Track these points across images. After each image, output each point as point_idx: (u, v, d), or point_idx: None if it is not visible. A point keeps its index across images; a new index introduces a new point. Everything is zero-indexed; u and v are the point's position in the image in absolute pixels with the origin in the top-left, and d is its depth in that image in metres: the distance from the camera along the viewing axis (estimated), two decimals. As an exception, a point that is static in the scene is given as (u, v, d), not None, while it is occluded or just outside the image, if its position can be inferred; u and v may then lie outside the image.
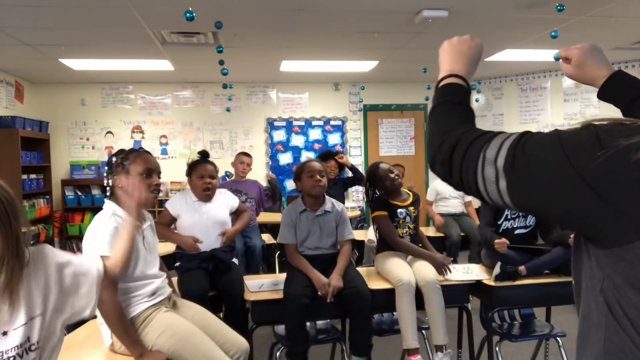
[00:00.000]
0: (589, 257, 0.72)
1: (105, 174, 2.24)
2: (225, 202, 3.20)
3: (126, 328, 1.99)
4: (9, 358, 1.31)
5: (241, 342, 2.27)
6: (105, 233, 2.02)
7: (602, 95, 1.15)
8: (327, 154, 4.89)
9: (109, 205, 2.15)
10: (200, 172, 3.08)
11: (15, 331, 1.33)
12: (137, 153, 2.22)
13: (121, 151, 2.26)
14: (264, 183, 5.22)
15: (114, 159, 2.22)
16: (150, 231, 2.31)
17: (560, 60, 1.25)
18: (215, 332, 2.19)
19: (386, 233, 3.07)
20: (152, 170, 2.21)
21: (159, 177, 2.28)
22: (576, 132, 0.68)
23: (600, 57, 1.19)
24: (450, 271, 2.92)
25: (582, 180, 0.64)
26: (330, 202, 3.00)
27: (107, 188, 2.21)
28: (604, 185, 0.64)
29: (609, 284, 0.68)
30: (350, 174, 5.06)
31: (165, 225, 3.08)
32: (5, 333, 1.31)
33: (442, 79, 0.99)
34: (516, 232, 3.08)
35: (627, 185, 0.62)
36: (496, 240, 2.88)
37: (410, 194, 3.23)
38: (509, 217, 3.10)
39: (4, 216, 1.27)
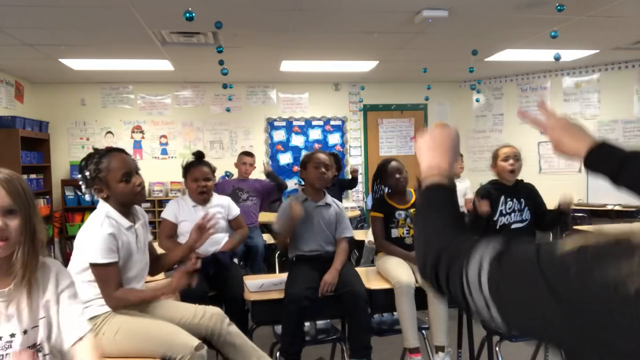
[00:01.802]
0: None
1: (82, 185, 2.14)
2: (223, 210, 3.16)
3: (141, 298, 2.14)
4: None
5: (211, 309, 2.29)
6: (98, 241, 2.01)
7: (587, 167, 1.12)
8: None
9: (102, 206, 2.13)
10: (195, 175, 3.04)
11: (33, 330, 1.38)
12: (108, 160, 2.11)
13: (90, 158, 2.14)
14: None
15: (86, 172, 2.12)
16: (143, 229, 2.27)
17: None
18: (184, 314, 2.22)
19: (375, 234, 3.15)
20: (129, 173, 2.13)
21: (138, 173, 2.19)
22: (560, 259, 0.60)
23: (575, 131, 1.17)
24: None
25: (571, 314, 0.57)
26: (330, 198, 3.04)
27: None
28: (593, 325, 0.56)
29: None
30: (348, 176, 5.07)
31: (170, 237, 3.04)
32: (25, 332, 1.36)
33: (424, 180, 0.95)
34: (513, 226, 3.10)
35: (620, 323, 0.54)
36: (480, 205, 2.93)
37: (414, 194, 3.22)
38: (504, 212, 3.12)
39: (25, 203, 1.34)
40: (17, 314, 1.35)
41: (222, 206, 3.18)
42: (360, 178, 7.54)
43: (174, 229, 3.04)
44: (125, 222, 2.14)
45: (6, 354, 1.32)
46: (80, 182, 2.15)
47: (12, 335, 1.33)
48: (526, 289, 0.62)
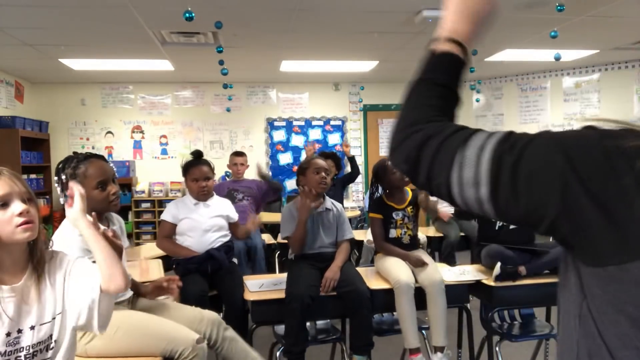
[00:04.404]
0: (575, 277, 0.63)
1: (57, 187, 2.13)
2: (224, 210, 3.16)
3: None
4: (34, 352, 1.37)
5: (209, 314, 2.28)
6: (71, 241, 1.97)
7: None
8: (327, 155, 4.88)
9: None
10: (195, 175, 3.05)
11: (43, 326, 1.39)
12: (85, 165, 2.09)
13: (67, 162, 2.13)
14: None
15: (62, 175, 2.10)
16: (119, 234, 2.27)
17: None
18: (180, 315, 2.21)
19: (374, 235, 3.15)
20: (105, 181, 2.10)
21: (114, 182, 2.16)
22: (580, 135, 0.58)
23: None
24: (427, 264, 2.91)
25: (585, 190, 0.56)
26: (329, 201, 3.04)
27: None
28: (610, 200, 0.55)
29: (590, 307, 0.60)
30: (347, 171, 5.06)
31: (169, 237, 3.05)
32: (32, 327, 1.37)
33: (437, 40, 0.82)
34: (511, 226, 3.13)
35: (631, 198, 0.54)
36: None
37: (411, 192, 3.22)
38: None
39: (33, 195, 1.41)
40: (25, 310, 1.36)
41: (222, 205, 3.19)
42: (360, 178, 7.54)
43: (172, 230, 3.06)
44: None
45: (14, 350, 1.33)
46: (56, 185, 2.13)
47: (20, 332, 1.34)
48: (536, 155, 0.58)
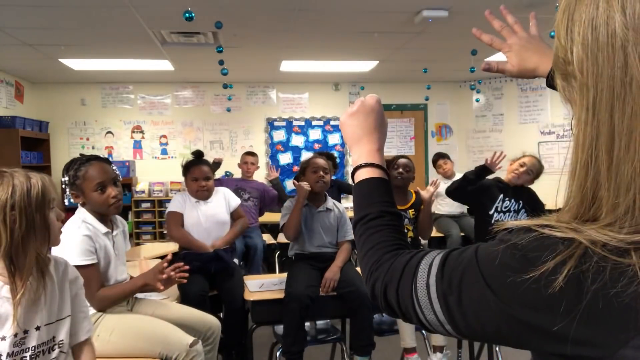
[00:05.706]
0: None
1: (63, 188, 2.16)
2: (224, 202, 3.18)
3: (124, 291, 2.12)
4: (38, 353, 1.39)
5: (208, 319, 2.31)
6: (74, 243, 2.00)
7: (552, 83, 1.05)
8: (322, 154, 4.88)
9: (80, 211, 2.13)
10: (195, 174, 3.06)
11: (47, 327, 1.41)
12: (86, 168, 2.11)
13: (72, 164, 2.15)
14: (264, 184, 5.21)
15: (65, 178, 2.13)
16: (121, 237, 2.28)
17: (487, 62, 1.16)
18: (179, 318, 2.22)
19: None
20: (104, 184, 2.11)
21: (116, 184, 2.16)
22: (495, 257, 0.60)
23: (537, 45, 1.12)
24: None
25: (509, 311, 0.58)
26: (331, 202, 3.04)
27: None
28: (528, 316, 0.57)
29: None
30: (347, 177, 5.06)
31: (181, 226, 3.04)
32: (38, 328, 1.39)
33: (355, 169, 0.90)
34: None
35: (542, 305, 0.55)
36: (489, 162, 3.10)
37: (414, 195, 3.19)
38: (499, 209, 3.15)
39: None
40: (32, 311, 1.37)
41: (222, 199, 3.19)
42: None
43: (182, 219, 3.05)
44: (102, 228, 2.13)
45: (20, 350, 1.34)
46: (63, 186, 2.17)
47: (26, 332, 1.35)
48: (471, 295, 0.62)
